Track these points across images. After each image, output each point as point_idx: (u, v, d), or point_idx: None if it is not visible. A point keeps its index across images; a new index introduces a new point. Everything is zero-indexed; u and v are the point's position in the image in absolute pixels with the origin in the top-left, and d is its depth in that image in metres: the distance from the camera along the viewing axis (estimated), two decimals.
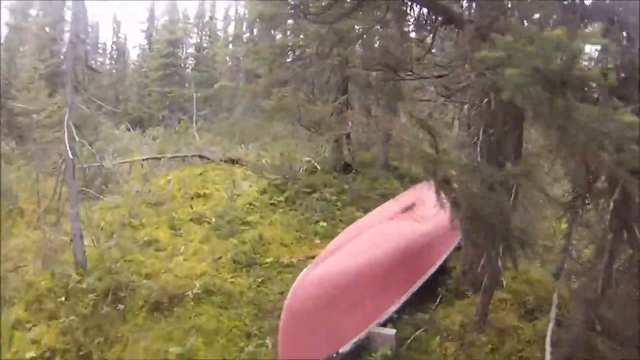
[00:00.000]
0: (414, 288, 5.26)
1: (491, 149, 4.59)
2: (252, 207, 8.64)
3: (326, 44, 6.46)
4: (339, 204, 8.81)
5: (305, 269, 4.40)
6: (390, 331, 4.56)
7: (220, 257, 6.57)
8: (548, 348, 3.91)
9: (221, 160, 12.52)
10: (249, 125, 17.92)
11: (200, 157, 13.12)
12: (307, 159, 10.29)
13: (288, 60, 10.25)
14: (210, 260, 6.50)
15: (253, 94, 10.91)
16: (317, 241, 7.31)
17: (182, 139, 16.71)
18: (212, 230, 7.59)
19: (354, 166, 10.64)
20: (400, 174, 11.57)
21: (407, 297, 5.09)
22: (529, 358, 4.65)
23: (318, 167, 9.88)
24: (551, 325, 4.06)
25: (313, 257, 6.62)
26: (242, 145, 15.24)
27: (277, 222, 7.88)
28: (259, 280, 6.05)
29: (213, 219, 7.97)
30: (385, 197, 9.64)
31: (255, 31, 22.14)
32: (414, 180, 11.20)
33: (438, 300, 5.58)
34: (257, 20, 11.01)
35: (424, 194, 6.96)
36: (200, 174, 11.57)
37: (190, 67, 29.43)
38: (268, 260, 6.57)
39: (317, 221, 8.02)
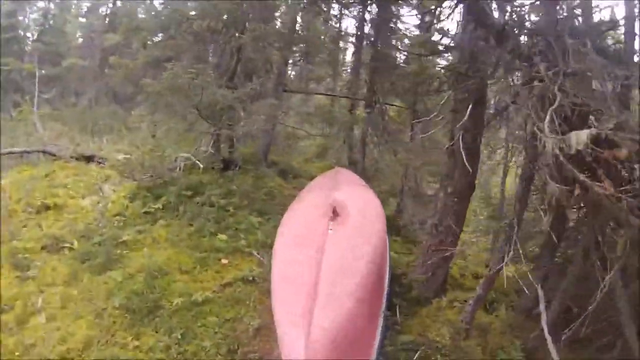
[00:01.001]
0: (384, 307, 4.92)
1: None
2: (123, 219, 7.00)
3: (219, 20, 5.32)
4: (229, 208, 7.60)
5: (296, 327, 3.61)
6: None
7: (105, 308, 4.89)
8: (548, 337, 4.38)
9: (72, 157, 10.06)
10: (102, 113, 15.14)
11: (44, 152, 10.49)
12: (184, 155, 8.78)
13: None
14: (90, 315, 4.74)
15: (127, 71, 8.80)
16: (224, 261, 6.13)
17: (20, 128, 13.30)
18: (78, 261, 5.72)
19: (236, 162, 9.48)
20: (282, 170, 10.77)
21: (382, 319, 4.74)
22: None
23: (201, 165, 8.44)
24: (544, 316, 4.60)
25: (229, 284, 5.63)
26: (95, 138, 12.65)
27: (163, 239, 6.46)
28: (178, 335, 4.60)
29: (75, 243, 6.10)
30: (272, 196, 8.79)
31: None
32: (296, 176, 10.60)
33: (397, 311, 5.45)
34: None
35: (336, 194, 6.20)
36: (47, 175, 9.10)
37: (33, 37, 23.32)
38: (176, 300, 5.08)
39: (213, 233, 6.74)
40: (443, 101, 5.40)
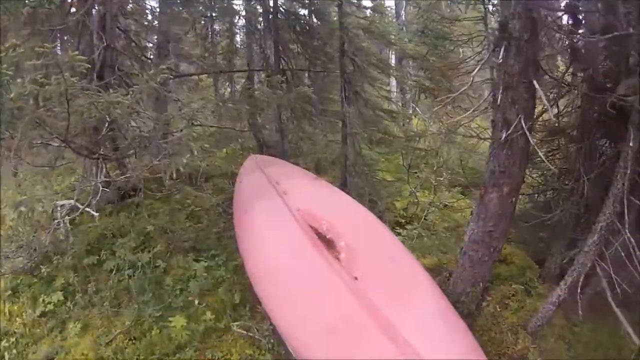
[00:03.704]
0: None
1: None
2: (14, 341, 4.48)
3: None
4: (158, 262, 5.50)
5: None
6: None
7: None
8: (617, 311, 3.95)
9: None
10: None
11: None
12: (64, 202, 6.17)
13: None
14: None
15: None
16: None
17: None
18: None
19: (136, 187, 7.09)
20: (188, 175, 8.60)
21: None
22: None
23: (94, 213, 5.97)
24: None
25: None
26: None
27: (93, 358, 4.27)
28: None
29: None
30: (196, 218, 6.84)
31: None
32: (208, 178, 8.52)
33: None
34: None
35: (292, 202, 4.69)
36: None
37: None
38: None
39: (160, 317, 4.70)
40: (475, 71, 3.96)
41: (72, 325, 4.70)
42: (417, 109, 10.83)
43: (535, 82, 3.40)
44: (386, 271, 3.73)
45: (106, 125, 5.22)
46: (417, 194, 7.85)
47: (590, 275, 4.36)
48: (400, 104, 11.24)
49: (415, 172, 9.02)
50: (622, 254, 3.95)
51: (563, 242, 5.11)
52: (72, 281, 5.21)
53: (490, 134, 4.38)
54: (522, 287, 5.12)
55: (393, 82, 11.96)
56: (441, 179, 7.96)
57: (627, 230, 3.72)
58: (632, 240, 3.69)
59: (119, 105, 4.51)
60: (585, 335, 4.81)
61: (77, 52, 3.85)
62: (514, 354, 4.38)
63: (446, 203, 8.11)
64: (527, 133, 3.50)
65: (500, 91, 3.58)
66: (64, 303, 4.99)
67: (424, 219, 7.58)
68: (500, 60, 3.49)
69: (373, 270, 3.64)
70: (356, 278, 3.51)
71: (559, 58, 5.23)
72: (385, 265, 3.83)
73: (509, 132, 3.58)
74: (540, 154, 4.17)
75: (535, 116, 3.97)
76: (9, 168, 7.29)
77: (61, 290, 5.12)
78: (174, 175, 4.94)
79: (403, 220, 7.68)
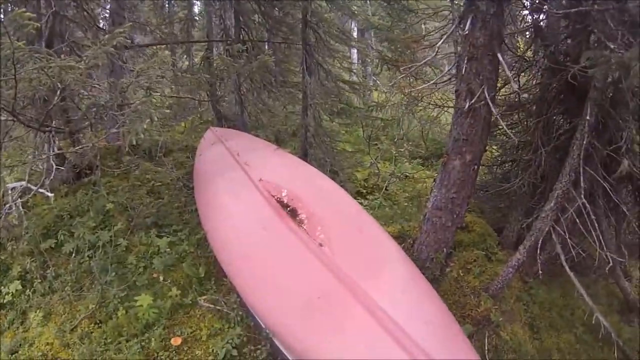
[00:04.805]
0: None
1: None
2: None
3: None
4: (120, 240, 5.28)
5: None
6: None
7: None
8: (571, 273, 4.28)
9: None
10: None
11: None
12: (16, 184, 5.80)
13: None
14: None
15: None
16: (176, 340, 4.16)
17: None
18: None
19: (92, 163, 6.75)
20: (147, 150, 8.27)
21: None
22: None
23: (49, 194, 5.64)
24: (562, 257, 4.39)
25: None
26: None
27: (58, 350, 4.11)
28: None
29: None
30: (157, 194, 6.62)
31: None
32: (167, 152, 8.26)
33: None
34: None
35: (255, 173, 4.71)
36: None
37: None
38: None
39: (125, 297, 4.56)
40: (440, 42, 4.00)
41: (33, 314, 4.51)
42: (377, 81, 10.88)
43: (499, 55, 3.50)
44: (352, 238, 3.79)
45: (57, 94, 4.83)
46: (378, 165, 7.96)
47: (546, 241, 4.63)
48: (361, 76, 11.28)
49: (376, 144, 9.15)
50: (577, 220, 4.23)
51: (521, 210, 5.40)
52: (29, 268, 4.95)
53: (454, 104, 4.47)
54: (483, 253, 5.35)
55: (354, 54, 11.97)
56: (402, 149, 8.10)
57: (582, 197, 3.94)
58: (587, 205, 3.92)
59: (71, 70, 4.21)
60: (541, 296, 5.14)
61: (24, 10, 3.57)
62: (477, 315, 4.59)
63: (407, 174, 8.29)
64: (490, 103, 3.62)
65: (465, 62, 3.67)
66: (23, 292, 4.76)
67: (385, 189, 7.72)
68: (466, 32, 3.56)
69: (338, 237, 3.68)
70: (321, 245, 3.55)
71: (519, 36, 5.38)
72: (351, 232, 3.88)
73: (472, 101, 3.70)
74: (503, 124, 4.32)
75: (497, 89, 4.10)
76: None
77: (19, 279, 4.87)
78: (134, 142, 4.72)
79: (364, 191, 7.81)
